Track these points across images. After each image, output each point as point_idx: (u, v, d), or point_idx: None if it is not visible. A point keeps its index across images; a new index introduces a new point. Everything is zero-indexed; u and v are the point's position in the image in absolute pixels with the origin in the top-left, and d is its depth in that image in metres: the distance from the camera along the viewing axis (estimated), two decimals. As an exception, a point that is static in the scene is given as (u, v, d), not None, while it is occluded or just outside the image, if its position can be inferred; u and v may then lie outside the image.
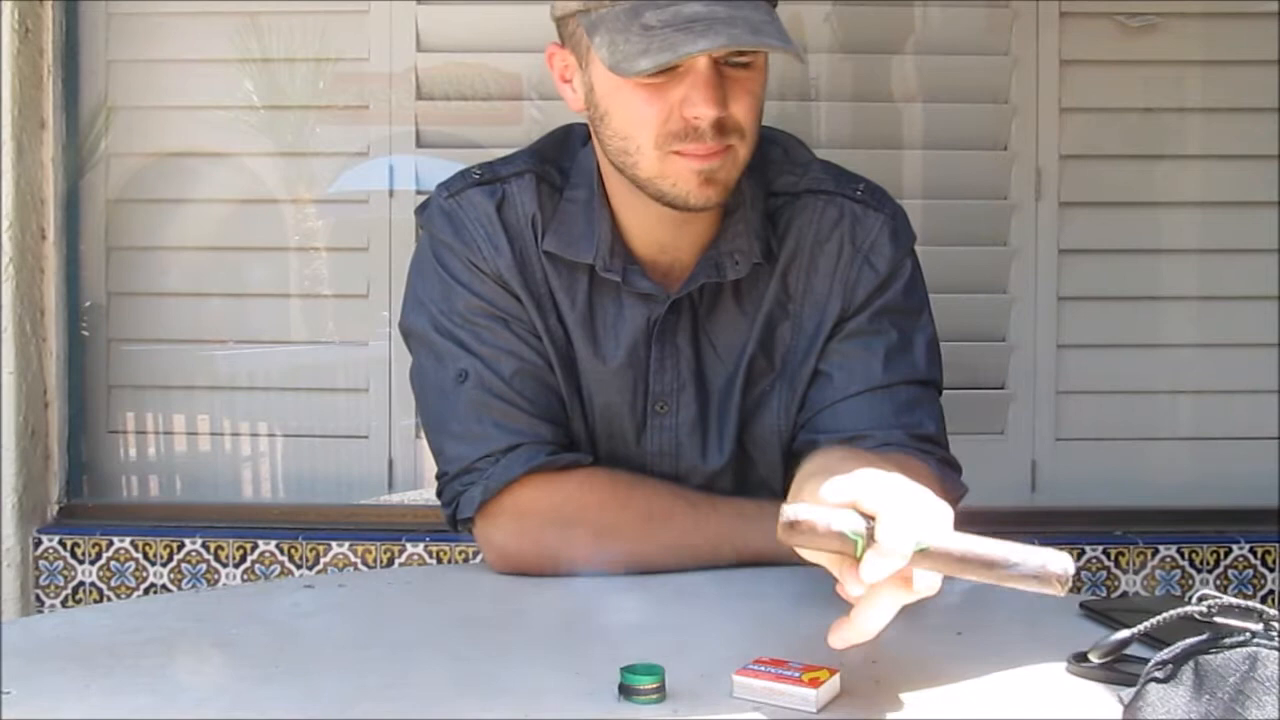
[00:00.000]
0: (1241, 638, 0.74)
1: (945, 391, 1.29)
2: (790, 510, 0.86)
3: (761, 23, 1.12)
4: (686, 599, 1.14)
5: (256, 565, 2.17)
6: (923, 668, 0.94)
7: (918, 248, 1.31)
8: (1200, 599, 0.78)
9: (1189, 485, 2.30)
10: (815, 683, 0.85)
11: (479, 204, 1.27)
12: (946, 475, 1.19)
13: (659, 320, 1.24)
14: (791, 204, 1.28)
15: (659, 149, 1.16)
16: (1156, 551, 2.17)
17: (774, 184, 1.29)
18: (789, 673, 0.86)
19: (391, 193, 2.30)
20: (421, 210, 1.31)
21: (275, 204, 2.35)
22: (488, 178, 1.28)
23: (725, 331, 1.26)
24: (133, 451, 2.35)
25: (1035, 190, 2.28)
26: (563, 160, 1.29)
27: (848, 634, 0.86)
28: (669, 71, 1.13)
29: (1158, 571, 2.17)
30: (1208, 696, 0.72)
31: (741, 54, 1.14)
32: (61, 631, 1.04)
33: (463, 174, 1.30)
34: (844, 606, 1.12)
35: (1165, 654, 0.75)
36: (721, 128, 1.14)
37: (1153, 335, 2.32)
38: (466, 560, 2.13)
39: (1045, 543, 2.28)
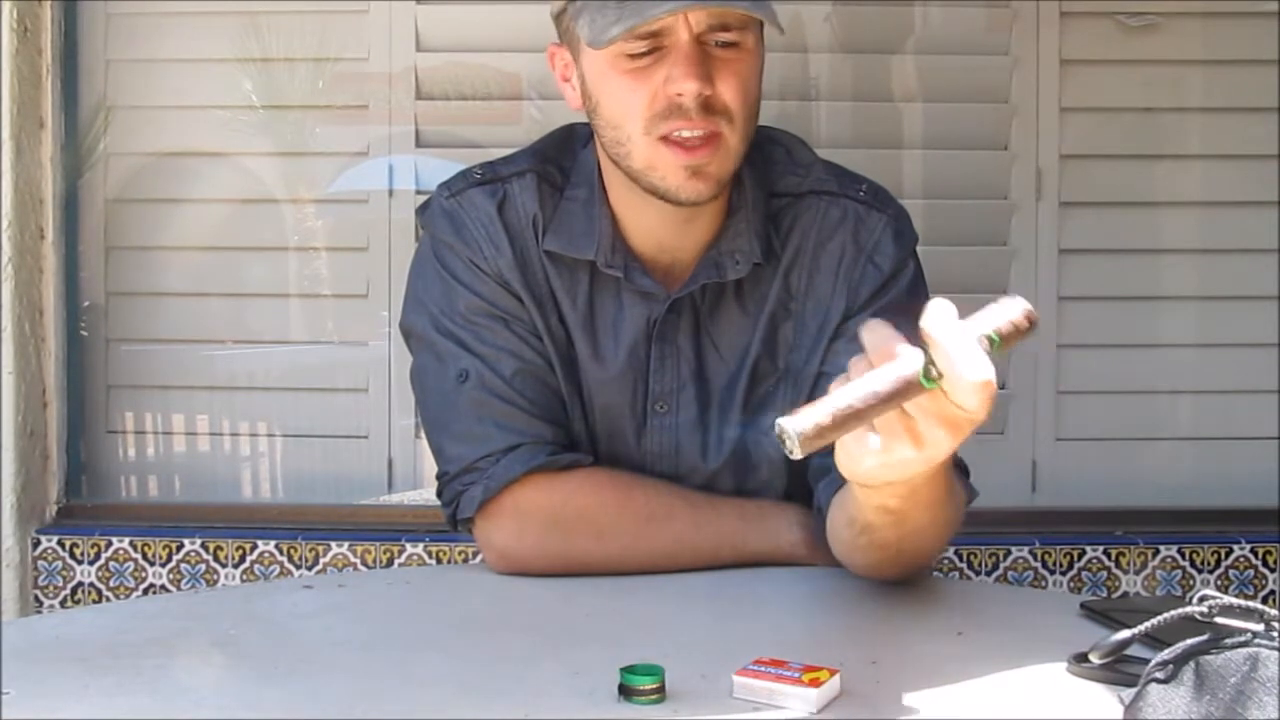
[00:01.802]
0: (1242, 638, 0.74)
1: (945, 392, 1.29)
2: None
3: None
4: (686, 599, 1.14)
5: (256, 565, 2.17)
6: (923, 668, 0.94)
7: (918, 247, 1.31)
8: (1201, 599, 0.78)
9: (1189, 485, 2.30)
10: (815, 683, 0.85)
11: (480, 204, 1.27)
12: (956, 476, 1.19)
13: (659, 320, 1.24)
14: (795, 205, 1.28)
15: (647, 135, 1.16)
16: (1157, 551, 2.17)
17: (777, 185, 1.29)
18: (789, 673, 0.86)
19: (391, 192, 2.30)
20: (422, 210, 1.31)
21: (275, 204, 2.35)
22: (489, 177, 1.28)
23: (728, 332, 1.26)
24: (132, 452, 2.35)
25: (1035, 190, 2.28)
26: (564, 160, 1.29)
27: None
28: (653, 53, 1.14)
29: (1158, 572, 2.16)
30: (1208, 697, 0.72)
31: (726, 31, 1.14)
32: (60, 632, 1.04)
33: (464, 174, 1.30)
34: (842, 609, 1.12)
35: (1166, 654, 0.75)
36: (708, 107, 1.14)
37: (1153, 335, 2.32)
38: (466, 560, 2.12)
39: (1045, 543, 2.30)
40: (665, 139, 1.15)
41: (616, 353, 1.25)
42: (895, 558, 1.09)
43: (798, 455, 0.78)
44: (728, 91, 1.15)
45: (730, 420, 1.25)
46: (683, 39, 1.13)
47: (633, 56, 1.15)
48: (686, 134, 1.14)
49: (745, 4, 1.12)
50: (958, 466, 1.21)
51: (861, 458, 0.85)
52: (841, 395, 0.80)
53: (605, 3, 1.14)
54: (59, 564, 2.19)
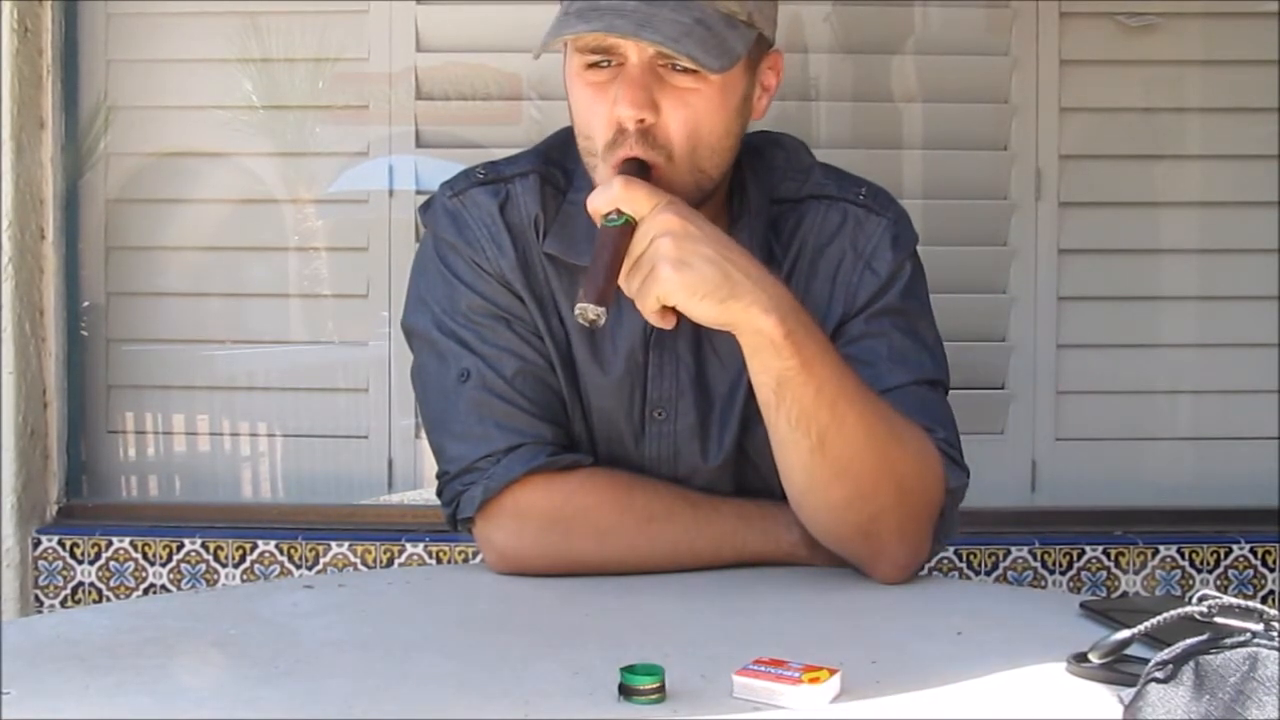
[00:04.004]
0: (1242, 638, 0.74)
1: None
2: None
3: (684, 25, 1.10)
4: (686, 599, 1.14)
5: (256, 565, 2.17)
6: (923, 668, 0.94)
7: (918, 247, 1.31)
8: (1200, 599, 0.79)
9: (1189, 485, 2.30)
10: (815, 682, 0.85)
11: (483, 203, 1.27)
12: (946, 463, 1.19)
13: (656, 327, 1.23)
14: (795, 210, 1.28)
15: (605, 162, 1.16)
16: (1156, 551, 2.17)
17: (777, 190, 1.29)
18: (789, 673, 0.86)
19: (391, 193, 2.30)
20: (425, 209, 1.31)
21: (275, 204, 2.35)
22: (491, 177, 1.28)
23: (729, 338, 1.25)
24: (132, 451, 2.35)
25: (1035, 190, 2.28)
26: (567, 162, 1.28)
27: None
28: (611, 68, 1.14)
29: (1158, 571, 2.16)
30: (1208, 697, 0.72)
31: (677, 59, 1.12)
32: (61, 631, 1.04)
33: (466, 173, 1.30)
34: (842, 609, 1.12)
35: (1165, 654, 0.75)
36: (649, 137, 1.13)
37: (1153, 335, 2.32)
38: (466, 560, 2.13)
39: (1045, 543, 2.31)
40: (615, 166, 1.14)
41: (615, 357, 1.25)
42: (822, 458, 1.11)
43: (603, 320, 1.03)
44: (673, 123, 1.13)
45: (730, 426, 1.25)
46: (630, 61, 1.13)
47: (591, 68, 1.15)
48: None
49: (677, 46, 1.09)
50: (953, 460, 1.20)
51: (639, 299, 1.06)
52: (595, 265, 1.06)
53: (563, 13, 1.15)
54: (59, 564, 2.19)
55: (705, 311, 1.06)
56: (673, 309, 1.07)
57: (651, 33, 1.10)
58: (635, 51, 1.12)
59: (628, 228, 1.06)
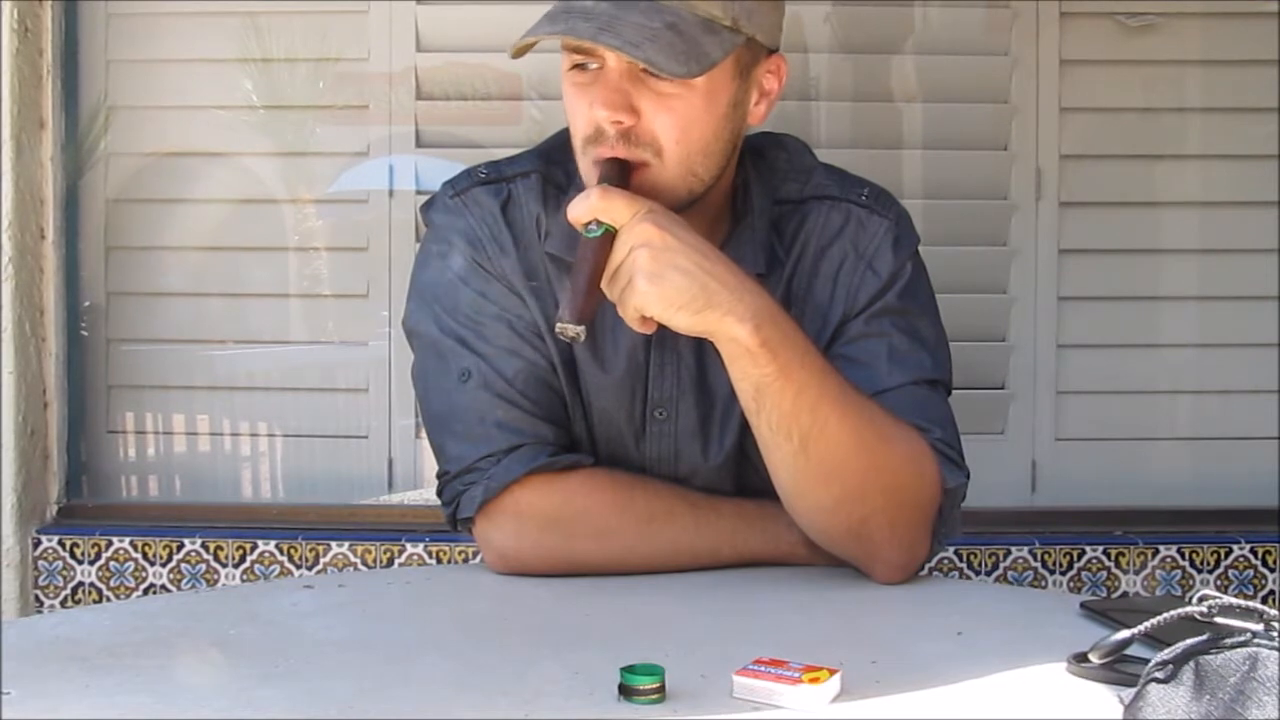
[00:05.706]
0: (1242, 638, 0.74)
1: (945, 392, 1.29)
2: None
3: (650, 29, 1.10)
4: (686, 599, 1.14)
5: (256, 565, 2.17)
6: (923, 668, 0.94)
7: (919, 248, 1.31)
8: (1201, 599, 0.79)
9: (1189, 485, 2.30)
10: (815, 682, 0.85)
11: (484, 203, 1.27)
12: (943, 463, 1.19)
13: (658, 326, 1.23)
14: (798, 210, 1.28)
15: (584, 156, 1.17)
16: (1157, 551, 2.17)
17: (779, 191, 1.29)
18: (789, 673, 0.86)
19: (391, 193, 2.30)
20: (427, 208, 1.31)
21: (275, 204, 2.35)
22: (493, 177, 1.28)
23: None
24: (132, 452, 2.35)
25: (1035, 190, 2.28)
26: (568, 162, 1.28)
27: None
28: (595, 71, 1.14)
29: (1158, 571, 2.16)
30: (1208, 697, 0.72)
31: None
32: (61, 631, 1.04)
33: (468, 173, 1.30)
34: (842, 609, 1.12)
35: (1166, 654, 0.75)
36: (630, 136, 1.13)
37: (1153, 335, 2.32)
38: (466, 560, 2.13)
39: (1045, 543, 2.30)
40: (595, 162, 1.15)
41: (616, 357, 1.25)
42: (806, 461, 1.11)
43: (583, 337, 1.05)
44: (658, 124, 1.14)
45: (731, 426, 1.25)
46: (608, 64, 1.13)
47: (576, 69, 1.16)
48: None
49: (637, 51, 1.09)
50: (949, 458, 1.20)
51: (620, 308, 1.08)
52: (575, 280, 1.07)
53: (545, 12, 1.15)
54: (59, 564, 2.19)
55: (681, 322, 1.08)
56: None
57: (610, 37, 1.10)
58: (612, 55, 1.13)
59: (607, 238, 1.07)
